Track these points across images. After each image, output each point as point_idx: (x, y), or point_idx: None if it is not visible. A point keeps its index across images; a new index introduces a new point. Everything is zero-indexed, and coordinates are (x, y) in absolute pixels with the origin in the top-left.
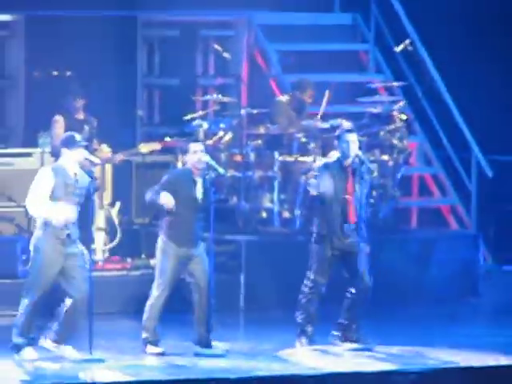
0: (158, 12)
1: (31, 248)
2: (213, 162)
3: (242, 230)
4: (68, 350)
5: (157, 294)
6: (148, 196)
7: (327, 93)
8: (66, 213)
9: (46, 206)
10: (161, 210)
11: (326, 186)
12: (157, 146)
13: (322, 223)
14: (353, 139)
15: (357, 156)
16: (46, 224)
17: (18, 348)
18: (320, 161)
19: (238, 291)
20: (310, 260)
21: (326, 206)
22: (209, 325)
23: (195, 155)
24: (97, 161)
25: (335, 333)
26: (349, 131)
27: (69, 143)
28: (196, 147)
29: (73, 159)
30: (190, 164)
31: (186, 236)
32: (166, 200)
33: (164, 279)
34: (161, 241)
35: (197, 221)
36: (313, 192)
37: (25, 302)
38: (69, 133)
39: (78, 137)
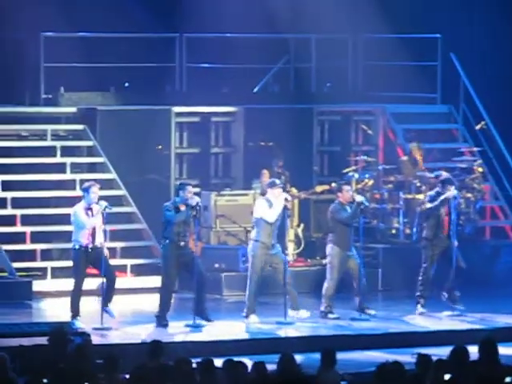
0: (326, 105)
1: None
2: (363, 199)
3: (379, 240)
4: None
5: (331, 281)
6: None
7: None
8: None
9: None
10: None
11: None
12: (326, 187)
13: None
14: (450, 189)
15: (454, 196)
16: (257, 237)
17: (246, 316)
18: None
19: (377, 279)
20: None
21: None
22: (362, 299)
23: (347, 193)
24: (289, 198)
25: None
26: (450, 183)
27: (271, 185)
28: (347, 188)
29: (274, 195)
30: (343, 198)
31: (346, 243)
32: None
33: (335, 272)
34: (330, 248)
35: (350, 234)
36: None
37: (250, 288)
38: (272, 179)
39: (277, 181)
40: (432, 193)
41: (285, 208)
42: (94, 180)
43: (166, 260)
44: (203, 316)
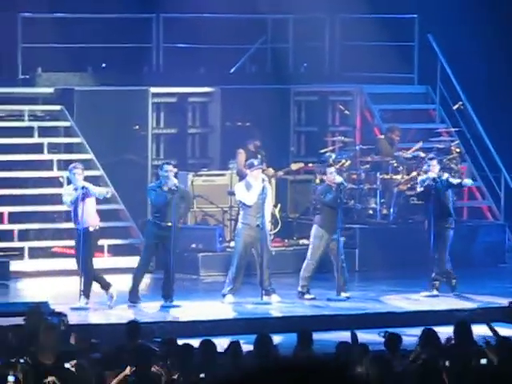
0: (303, 85)
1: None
2: (342, 180)
3: (356, 221)
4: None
5: (311, 262)
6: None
7: (419, 143)
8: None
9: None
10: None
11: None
12: (302, 164)
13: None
14: (433, 163)
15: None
16: (242, 218)
17: (223, 294)
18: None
19: (354, 260)
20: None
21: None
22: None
23: (331, 175)
24: (265, 178)
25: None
26: (432, 159)
27: (250, 166)
28: (329, 170)
29: (253, 177)
30: (328, 180)
31: (331, 226)
32: None
33: (316, 253)
34: (314, 229)
35: (336, 216)
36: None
37: (231, 268)
38: (251, 160)
39: (255, 162)
40: (423, 177)
41: (263, 188)
42: (72, 160)
43: (145, 239)
44: (169, 298)
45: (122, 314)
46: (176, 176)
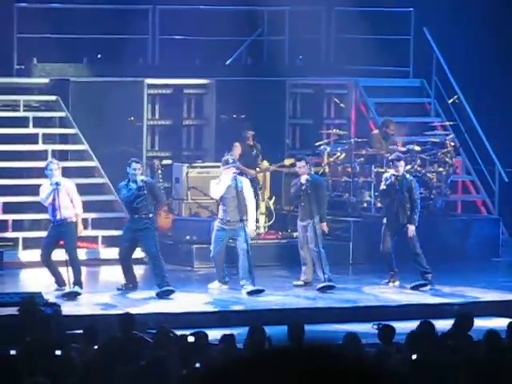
0: (300, 78)
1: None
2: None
3: (350, 214)
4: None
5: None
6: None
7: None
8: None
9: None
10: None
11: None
12: (293, 160)
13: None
14: (400, 164)
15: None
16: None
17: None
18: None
19: (348, 252)
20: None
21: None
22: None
23: (299, 169)
24: (251, 173)
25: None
26: (399, 159)
27: (224, 164)
28: (300, 164)
29: (228, 173)
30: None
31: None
32: None
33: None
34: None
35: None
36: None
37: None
38: (226, 157)
39: (230, 160)
40: (388, 175)
41: (237, 184)
42: (67, 151)
43: (122, 233)
44: (159, 285)
45: (114, 305)
46: (171, 167)
